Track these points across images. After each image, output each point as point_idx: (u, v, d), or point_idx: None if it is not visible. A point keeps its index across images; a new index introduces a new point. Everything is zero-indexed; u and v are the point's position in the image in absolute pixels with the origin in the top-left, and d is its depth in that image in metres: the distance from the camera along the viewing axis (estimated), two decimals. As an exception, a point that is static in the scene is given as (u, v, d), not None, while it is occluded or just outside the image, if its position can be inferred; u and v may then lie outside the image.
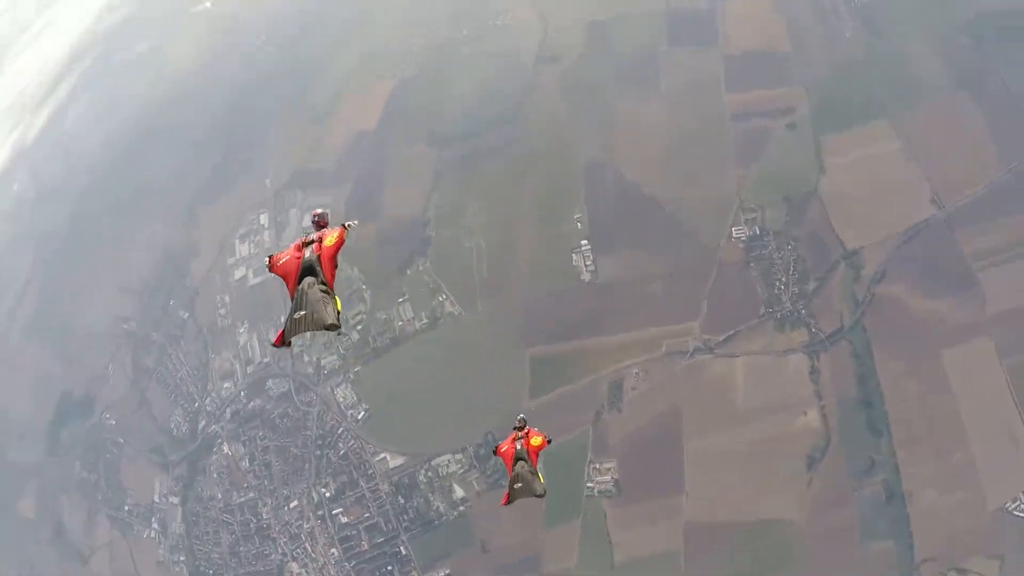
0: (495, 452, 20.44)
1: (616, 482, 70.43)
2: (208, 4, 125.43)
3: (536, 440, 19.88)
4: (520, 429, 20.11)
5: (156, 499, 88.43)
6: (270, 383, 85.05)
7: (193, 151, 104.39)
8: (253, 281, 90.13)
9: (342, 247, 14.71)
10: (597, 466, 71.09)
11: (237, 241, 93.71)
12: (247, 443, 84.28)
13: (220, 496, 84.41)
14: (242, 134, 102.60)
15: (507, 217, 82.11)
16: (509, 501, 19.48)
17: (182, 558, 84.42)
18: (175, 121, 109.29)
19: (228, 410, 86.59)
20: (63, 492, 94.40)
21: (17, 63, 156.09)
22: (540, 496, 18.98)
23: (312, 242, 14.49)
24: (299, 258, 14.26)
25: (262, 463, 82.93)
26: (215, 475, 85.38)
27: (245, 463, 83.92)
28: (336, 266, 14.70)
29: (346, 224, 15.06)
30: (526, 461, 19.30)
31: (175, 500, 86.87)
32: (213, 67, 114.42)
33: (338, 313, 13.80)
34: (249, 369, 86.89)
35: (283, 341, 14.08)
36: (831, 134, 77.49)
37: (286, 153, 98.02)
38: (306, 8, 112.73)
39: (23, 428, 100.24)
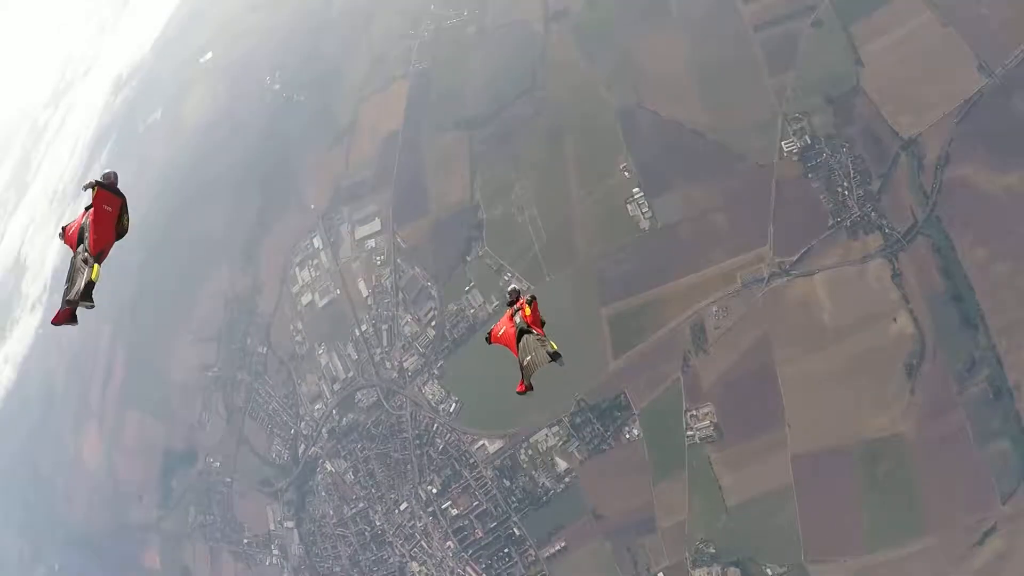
0: (489, 341, 16.63)
1: (716, 426, 69.19)
2: (209, 55, 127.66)
3: (528, 309, 16.28)
4: (513, 304, 16.68)
5: (272, 527, 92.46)
6: (359, 396, 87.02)
7: (233, 196, 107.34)
8: (321, 303, 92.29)
9: (107, 205, 13.08)
10: (694, 413, 69.96)
11: (296, 269, 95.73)
12: (348, 457, 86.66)
13: (332, 512, 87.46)
14: (276, 167, 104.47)
15: (554, 183, 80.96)
16: (526, 385, 15.82)
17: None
18: (209, 172, 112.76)
19: (324, 430, 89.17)
20: (184, 539, 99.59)
21: (45, 163, 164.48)
22: (555, 359, 15.22)
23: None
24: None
25: (366, 473, 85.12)
26: (323, 493, 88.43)
27: (350, 476, 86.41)
28: (116, 231, 13.29)
29: (94, 183, 13.18)
30: (530, 332, 15.98)
31: (290, 524, 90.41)
32: (232, 112, 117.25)
33: (90, 283, 12.38)
34: (336, 387, 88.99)
35: (61, 318, 12.85)
36: (859, 21, 73.03)
37: (323, 174, 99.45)
38: (305, 31, 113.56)
39: (139, 489, 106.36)
